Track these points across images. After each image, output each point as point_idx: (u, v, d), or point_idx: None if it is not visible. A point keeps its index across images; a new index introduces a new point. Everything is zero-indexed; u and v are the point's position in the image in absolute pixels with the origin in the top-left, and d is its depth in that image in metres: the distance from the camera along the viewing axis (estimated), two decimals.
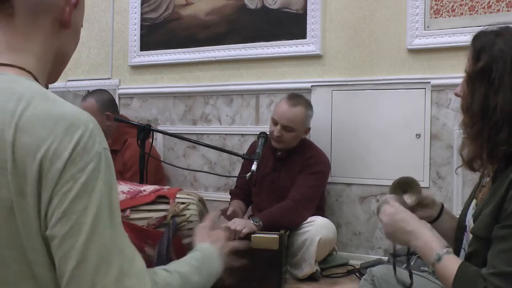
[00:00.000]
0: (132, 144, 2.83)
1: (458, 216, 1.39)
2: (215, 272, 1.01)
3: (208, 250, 1.03)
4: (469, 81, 1.20)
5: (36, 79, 0.82)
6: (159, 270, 0.83)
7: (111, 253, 0.73)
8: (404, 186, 1.40)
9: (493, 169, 1.23)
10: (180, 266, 0.91)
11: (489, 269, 1.09)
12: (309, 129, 2.70)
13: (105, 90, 3.15)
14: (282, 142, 2.59)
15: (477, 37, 1.21)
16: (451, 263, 1.14)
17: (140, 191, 1.79)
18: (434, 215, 1.43)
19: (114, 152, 2.99)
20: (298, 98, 2.64)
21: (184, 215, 1.67)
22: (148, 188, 1.84)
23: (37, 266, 0.74)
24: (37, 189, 0.72)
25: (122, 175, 2.82)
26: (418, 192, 1.39)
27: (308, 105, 2.66)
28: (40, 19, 0.84)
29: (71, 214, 0.71)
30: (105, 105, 2.99)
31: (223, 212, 2.57)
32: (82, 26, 0.95)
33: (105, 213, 0.73)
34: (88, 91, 3.27)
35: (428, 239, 1.21)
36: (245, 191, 2.79)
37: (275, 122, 2.60)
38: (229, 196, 2.86)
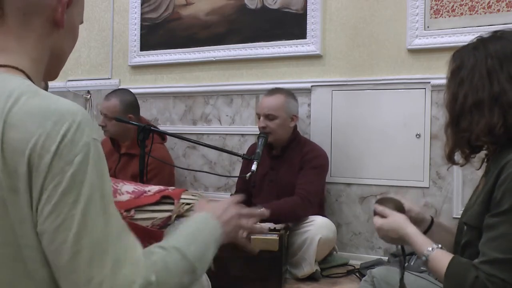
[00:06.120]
0: (154, 151, 2.52)
1: (453, 227, 1.39)
2: (213, 238, 0.94)
3: (201, 217, 0.97)
4: (447, 83, 1.29)
5: (30, 78, 0.82)
6: (156, 248, 0.81)
7: (105, 243, 0.72)
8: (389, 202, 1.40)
9: (488, 164, 1.26)
10: (175, 239, 0.87)
11: (480, 258, 1.11)
12: (296, 116, 2.69)
13: (128, 91, 3.04)
14: (270, 134, 2.60)
15: (457, 51, 1.31)
16: (444, 256, 1.18)
17: (145, 191, 1.79)
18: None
19: (130, 155, 2.87)
20: (277, 89, 2.71)
21: (189, 215, 1.68)
22: (153, 188, 1.84)
23: (33, 263, 0.74)
24: (28, 184, 0.71)
25: (136, 180, 2.56)
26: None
27: (288, 94, 2.69)
28: (32, 20, 0.83)
29: (61, 207, 0.71)
30: (128, 107, 2.90)
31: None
32: (82, 22, 0.93)
33: (96, 205, 0.73)
34: (88, 91, 3.25)
35: (419, 238, 1.25)
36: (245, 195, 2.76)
37: (259, 116, 2.67)
38: (229, 196, 2.85)
